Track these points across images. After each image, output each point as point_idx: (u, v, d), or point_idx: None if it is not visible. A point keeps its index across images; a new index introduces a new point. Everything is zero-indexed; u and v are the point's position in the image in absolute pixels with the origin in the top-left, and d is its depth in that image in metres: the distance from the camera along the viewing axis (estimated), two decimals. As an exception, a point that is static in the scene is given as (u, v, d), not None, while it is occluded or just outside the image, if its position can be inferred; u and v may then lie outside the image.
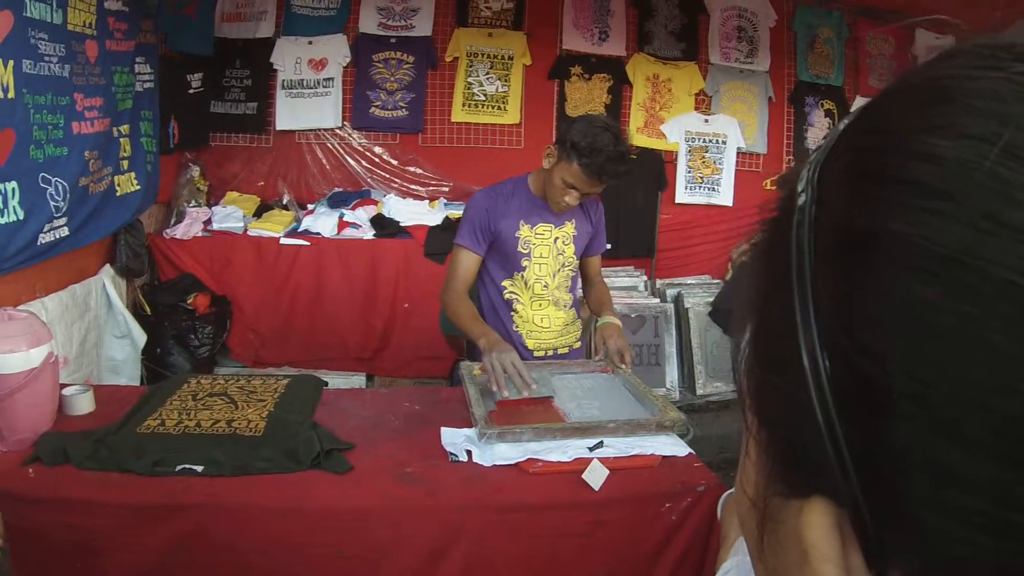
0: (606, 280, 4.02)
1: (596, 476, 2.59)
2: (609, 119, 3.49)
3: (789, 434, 0.45)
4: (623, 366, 3.46)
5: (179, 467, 2.51)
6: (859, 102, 7.44)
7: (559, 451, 2.73)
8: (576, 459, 2.70)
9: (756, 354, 0.49)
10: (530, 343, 3.68)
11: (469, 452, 2.77)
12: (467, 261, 3.57)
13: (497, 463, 2.70)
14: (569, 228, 3.64)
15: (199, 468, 2.51)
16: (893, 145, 0.41)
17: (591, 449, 2.76)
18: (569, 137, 3.33)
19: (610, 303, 3.82)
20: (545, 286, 3.63)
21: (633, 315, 6.28)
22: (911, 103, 0.43)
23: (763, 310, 0.48)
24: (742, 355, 0.51)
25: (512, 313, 3.67)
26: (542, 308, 3.67)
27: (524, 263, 3.59)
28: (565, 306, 3.73)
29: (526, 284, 3.62)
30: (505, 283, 3.65)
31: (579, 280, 3.89)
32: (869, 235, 0.39)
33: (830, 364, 0.40)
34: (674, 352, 6.33)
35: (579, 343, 3.87)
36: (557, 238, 3.61)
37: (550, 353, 3.72)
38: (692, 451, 2.89)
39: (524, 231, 3.56)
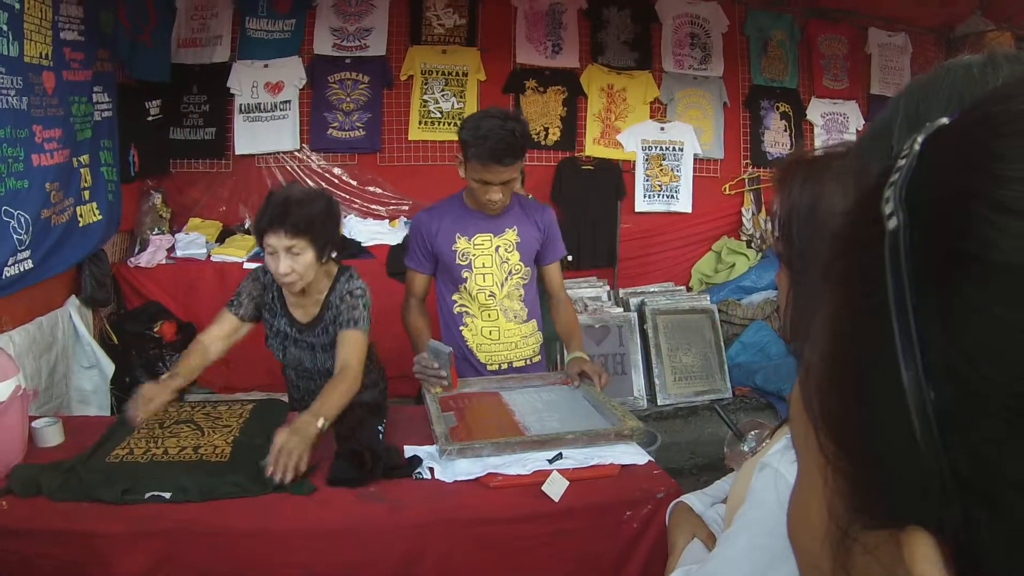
0: (570, 292, 3.96)
1: (555, 488, 2.64)
2: (500, 109, 3.51)
3: (882, 464, 0.43)
4: (597, 387, 3.49)
5: (148, 495, 2.55)
6: (815, 103, 7.58)
7: (519, 464, 2.78)
8: (536, 472, 2.75)
9: (837, 381, 0.47)
10: (482, 357, 3.71)
11: (431, 469, 2.81)
12: (416, 280, 3.73)
13: (459, 479, 2.74)
14: (511, 235, 3.65)
15: (167, 495, 2.55)
16: (1005, 172, 0.40)
17: (550, 461, 2.81)
18: (460, 138, 3.42)
19: (578, 334, 3.82)
20: (491, 295, 3.65)
21: (597, 325, 6.31)
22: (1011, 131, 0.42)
23: (845, 337, 0.47)
24: (810, 379, 0.50)
25: (462, 327, 3.71)
26: (491, 320, 3.69)
27: (464, 274, 3.62)
28: (517, 318, 3.73)
29: (471, 295, 3.65)
30: (454, 297, 3.70)
31: (535, 289, 3.85)
32: (982, 262, 0.39)
33: (935, 394, 0.39)
34: (640, 360, 6.35)
35: (539, 357, 3.87)
36: (498, 246, 3.63)
37: (504, 367, 3.74)
38: (652, 459, 2.94)
39: (461, 243, 3.59)
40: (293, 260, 3.13)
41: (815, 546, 0.51)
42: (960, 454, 0.39)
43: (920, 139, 0.46)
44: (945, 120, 0.46)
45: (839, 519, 0.47)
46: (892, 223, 0.43)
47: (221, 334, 3.36)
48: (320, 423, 2.82)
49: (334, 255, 3.42)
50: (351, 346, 3.23)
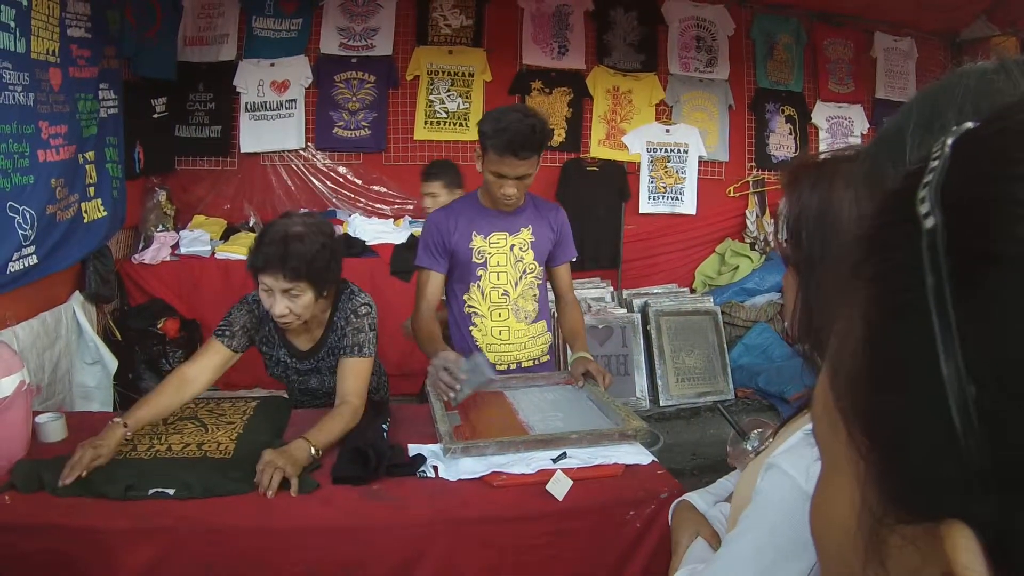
0: (574, 292, 3.97)
1: (559, 487, 2.63)
2: (523, 105, 3.49)
3: (919, 457, 0.43)
4: (602, 387, 3.48)
5: (151, 491, 2.55)
6: (820, 107, 7.58)
7: (522, 464, 2.78)
8: (540, 471, 2.74)
9: (870, 377, 0.47)
10: (491, 357, 3.63)
11: (435, 467, 2.81)
12: (429, 280, 3.62)
13: (463, 477, 2.74)
14: (525, 234, 3.63)
15: (171, 491, 2.55)
16: None
17: (554, 460, 2.80)
18: (480, 129, 3.40)
19: (583, 334, 3.81)
20: (504, 294, 3.63)
21: (601, 326, 6.31)
22: None
23: (878, 334, 0.47)
24: (839, 377, 0.51)
25: (471, 327, 3.68)
26: (502, 319, 3.66)
27: (479, 272, 3.60)
28: (528, 318, 3.71)
29: (483, 294, 3.63)
30: (465, 297, 3.66)
31: (546, 289, 3.84)
32: (1006, 258, 0.39)
33: (976, 389, 0.39)
34: (643, 361, 6.36)
35: (547, 356, 3.85)
36: (513, 245, 3.62)
37: (513, 367, 3.72)
38: (655, 459, 2.94)
39: (477, 241, 3.57)
40: (291, 301, 2.97)
41: (845, 540, 0.51)
42: (996, 448, 0.39)
43: (950, 141, 0.46)
44: (971, 124, 0.46)
45: (874, 511, 0.47)
46: (929, 222, 0.43)
47: (210, 366, 3.15)
48: (313, 452, 2.79)
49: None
50: (354, 377, 3.13)
